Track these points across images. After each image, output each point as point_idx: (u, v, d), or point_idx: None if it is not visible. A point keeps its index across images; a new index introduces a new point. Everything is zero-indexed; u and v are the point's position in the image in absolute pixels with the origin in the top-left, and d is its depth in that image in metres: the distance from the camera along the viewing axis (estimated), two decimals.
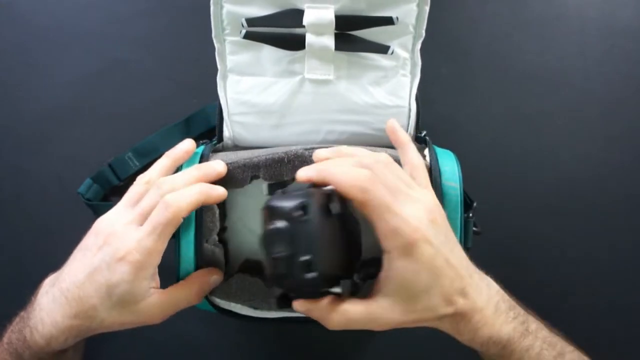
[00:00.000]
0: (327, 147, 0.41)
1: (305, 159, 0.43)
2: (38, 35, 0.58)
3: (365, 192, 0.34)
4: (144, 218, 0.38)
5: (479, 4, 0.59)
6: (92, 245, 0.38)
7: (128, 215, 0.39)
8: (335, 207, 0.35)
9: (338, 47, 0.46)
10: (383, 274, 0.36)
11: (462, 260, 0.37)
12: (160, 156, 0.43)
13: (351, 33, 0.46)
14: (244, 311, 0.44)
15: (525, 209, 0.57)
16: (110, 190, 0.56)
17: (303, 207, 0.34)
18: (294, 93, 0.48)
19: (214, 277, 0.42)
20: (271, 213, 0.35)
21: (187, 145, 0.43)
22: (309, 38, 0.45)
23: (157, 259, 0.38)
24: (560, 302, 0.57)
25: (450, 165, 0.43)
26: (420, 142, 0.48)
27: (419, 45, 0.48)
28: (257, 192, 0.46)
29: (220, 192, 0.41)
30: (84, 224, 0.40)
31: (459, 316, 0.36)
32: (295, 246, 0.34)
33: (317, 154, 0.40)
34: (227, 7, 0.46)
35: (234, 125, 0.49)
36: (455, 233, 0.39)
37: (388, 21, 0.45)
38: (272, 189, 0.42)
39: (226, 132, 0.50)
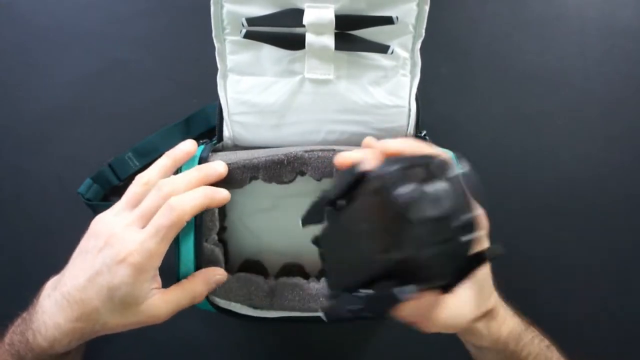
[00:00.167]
0: (325, 148, 0.41)
1: (305, 161, 0.42)
2: (38, 35, 0.58)
3: None
4: (144, 220, 0.38)
5: (479, 4, 0.59)
6: (92, 247, 0.38)
7: (128, 217, 0.38)
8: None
9: (338, 47, 0.46)
10: None
11: None
12: (160, 156, 0.42)
13: (351, 33, 0.46)
14: (243, 311, 0.44)
15: (525, 209, 0.57)
16: (110, 190, 0.56)
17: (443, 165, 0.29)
18: (294, 93, 0.48)
19: (217, 276, 0.42)
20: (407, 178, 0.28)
21: (188, 146, 0.43)
22: (309, 38, 0.45)
23: (158, 262, 0.37)
24: (560, 302, 0.57)
25: None
26: None
27: (418, 45, 0.48)
28: (256, 193, 0.46)
29: (223, 195, 0.41)
30: (84, 224, 0.40)
31: (495, 311, 0.37)
32: (456, 204, 0.28)
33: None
34: (227, 7, 0.46)
35: (234, 125, 0.49)
36: None
37: (388, 21, 0.45)
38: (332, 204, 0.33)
39: (226, 132, 0.50)
